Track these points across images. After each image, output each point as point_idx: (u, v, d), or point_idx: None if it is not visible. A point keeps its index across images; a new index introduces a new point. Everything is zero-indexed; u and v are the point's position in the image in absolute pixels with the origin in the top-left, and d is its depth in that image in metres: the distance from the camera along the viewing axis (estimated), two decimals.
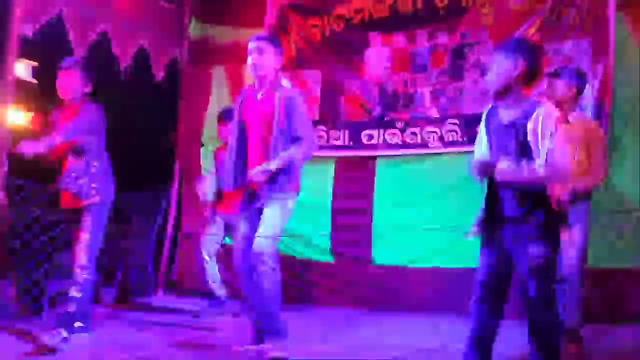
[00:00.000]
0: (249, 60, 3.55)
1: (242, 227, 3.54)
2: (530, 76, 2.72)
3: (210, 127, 6.11)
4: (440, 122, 5.29)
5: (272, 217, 3.44)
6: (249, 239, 3.46)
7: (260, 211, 3.50)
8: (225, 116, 4.93)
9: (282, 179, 3.45)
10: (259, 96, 3.58)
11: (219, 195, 5.04)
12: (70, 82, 3.85)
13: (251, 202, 3.54)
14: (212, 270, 4.97)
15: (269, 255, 3.36)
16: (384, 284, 5.34)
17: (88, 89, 3.92)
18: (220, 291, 4.96)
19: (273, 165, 3.41)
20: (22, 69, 4.66)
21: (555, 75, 3.74)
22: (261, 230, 3.40)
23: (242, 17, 6.15)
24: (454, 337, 3.54)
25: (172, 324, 4.57)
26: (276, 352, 3.32)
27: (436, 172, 5.34)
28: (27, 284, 4.54)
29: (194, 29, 6.41)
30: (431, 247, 5.27)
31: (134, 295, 5.63)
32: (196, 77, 6.34)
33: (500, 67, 2.75)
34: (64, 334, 3.63)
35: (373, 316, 4.93)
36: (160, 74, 6.16)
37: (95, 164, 3.84)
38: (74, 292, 3.71)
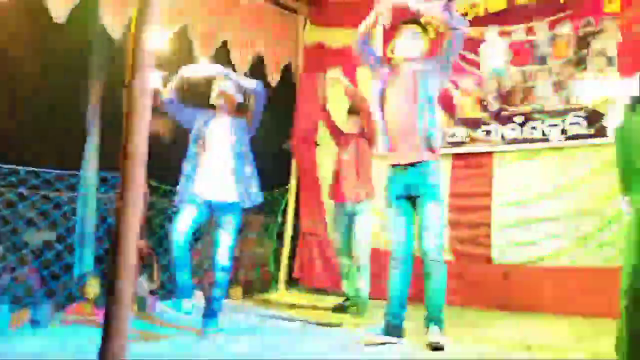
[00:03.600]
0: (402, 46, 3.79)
1: (401, 220, 3.70)
2: None
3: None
4: (562, 114, 5.10)
5: (437, 208, 3.64)
6: (410, 230, 3.69)
7: (413, 201, 3.67)
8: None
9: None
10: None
11: (337, 183, 5.06)
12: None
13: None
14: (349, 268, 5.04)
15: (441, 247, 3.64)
16: (505, 284, 5.21)
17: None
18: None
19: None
20: (154, 78, 4.97)
21: None
22: (430, 223, 3.57)
23: (356, 19, 6.21)
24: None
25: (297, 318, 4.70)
26: (439, 338, 3.48)
27: (558, 167, 5.16)
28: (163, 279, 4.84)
29: (309, 34, 6.57)
30: (554, 245, 5.09)
31: (256, 292, 5.85)
32: (311, 80, 6.50)
33: None
34: (215, 328, 3.88)
35: (499, 315, 4.83)
36: (275, 79, 6.38)
37: None
38: (217, 293, 3.93)
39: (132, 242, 2.38)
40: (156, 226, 5.20)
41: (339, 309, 4.97)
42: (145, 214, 4.88)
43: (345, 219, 4.96)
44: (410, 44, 3.77)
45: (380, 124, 3.78)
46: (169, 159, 4.37)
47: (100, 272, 4.87)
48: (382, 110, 3.77)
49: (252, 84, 4.05)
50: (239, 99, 4.11)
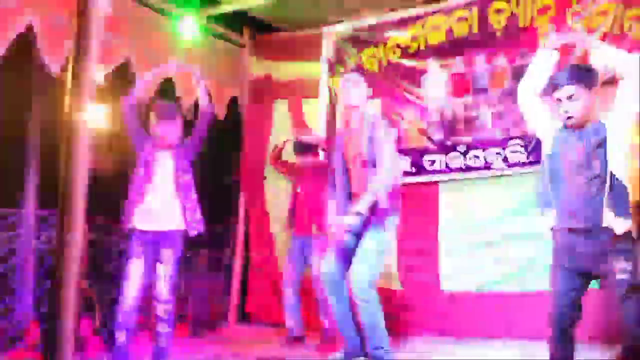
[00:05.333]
0: (345, 96, 3.81)
1: (340, 251, 3.78)
2: None
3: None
4: (503, 143, 5.24)
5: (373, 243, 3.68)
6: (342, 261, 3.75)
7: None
8: (296, 148, 5.23)
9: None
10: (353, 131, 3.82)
11: (293, 216, 5.11)
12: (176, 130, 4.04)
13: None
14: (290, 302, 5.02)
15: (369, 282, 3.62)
16: (453, 311, 5.26)
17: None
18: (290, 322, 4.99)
19: (362, 207, 3.64)
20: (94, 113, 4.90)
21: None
22: (361, 257, 3.63)
23: (301, 53, 6.31)
24: None
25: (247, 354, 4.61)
26: None
27: (501, 194, 5.28)
28: (107, 319, 4.69)
29: (254, 67, 6.60)
30: (499, 272, 5.18)
31: (205, 328, 5.73)
32: (258, 112, 6.52)
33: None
34: None
35: (449, 343, 4.84)
36: (221, 112, 6.36)
37: None
38: (162, 328, 3.83)
39: (72, 283, 2.31)
40: (98, 264, 5.05)
41: (296, 339, 4.92)
42: (86, 253, 4.75)
43: (298, 252, 4.98)
44: (351, 91, 3.83)
45: (338, 182, 3.84)
46: (110, 194, 4.28)
47: (40, 315, 4.69)
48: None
49: (204, 101, 4.13)
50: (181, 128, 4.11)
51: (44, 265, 4.96)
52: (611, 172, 2.84)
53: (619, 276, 2.80)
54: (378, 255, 3.64)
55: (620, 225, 2.82)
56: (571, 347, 2.97)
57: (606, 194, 2.82)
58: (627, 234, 2.85)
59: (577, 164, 2.93)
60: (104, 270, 5.03)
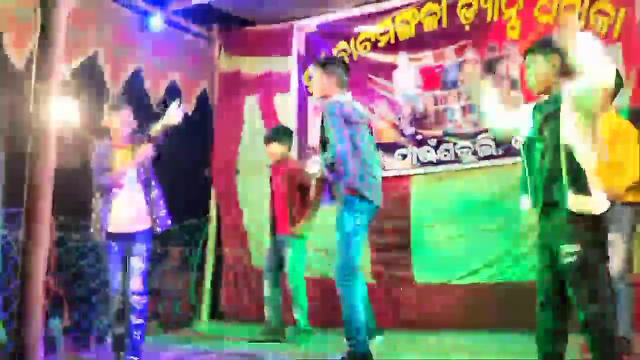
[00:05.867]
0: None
1: None
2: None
3: (245, 155, 6.26)
4: (473, 137, 5.29)
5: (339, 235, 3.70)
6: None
7: None
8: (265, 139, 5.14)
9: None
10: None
11: (275, 215, 5.06)
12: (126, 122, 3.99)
13: None
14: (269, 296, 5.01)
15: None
16: (426, 303, 5.30)
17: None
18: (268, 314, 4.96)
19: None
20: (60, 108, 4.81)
21: None
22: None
23: (271, 47, 6.28)
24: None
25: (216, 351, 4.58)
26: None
27: (471, 187, 5.33)
28: (77, 317, 4.63)
29: (223, 62, 6.54)
30: (473, 263, 5.23)
31: (177, 325, 5.69)
32: (228, 107, 6.46)
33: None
34: None
35: (423, 337, 4.87)
36: (191, 107, 6.30)
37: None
38: (136, 320, 3.84)
39: (39, 282, 2.26)
40: (66, 263, 4.97)
41: (271, 333, 4.89)
42: (53, 251, 4.67)
43: (276, 249, 4.96)
44: (313, 82, 3.89)
45: None
46: (77, 193, 4.22)
47: (8, 315, 4.59)
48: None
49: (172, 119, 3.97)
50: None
51: (11, 264, 4.86)
52: (566, 145, 2.69)
53: (566, 259, 2.66)
54: (343, 244, 3.64)
55: (572, 202, 2.66)
56: (558, 322, 2.81)
57: (563, 168, 2.67)
58: (581, 214, 2.67)
59: (534, 139, 2.84)
60: (72, 268, 4.96)
